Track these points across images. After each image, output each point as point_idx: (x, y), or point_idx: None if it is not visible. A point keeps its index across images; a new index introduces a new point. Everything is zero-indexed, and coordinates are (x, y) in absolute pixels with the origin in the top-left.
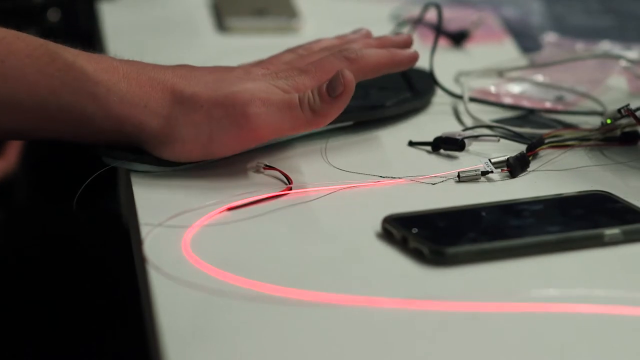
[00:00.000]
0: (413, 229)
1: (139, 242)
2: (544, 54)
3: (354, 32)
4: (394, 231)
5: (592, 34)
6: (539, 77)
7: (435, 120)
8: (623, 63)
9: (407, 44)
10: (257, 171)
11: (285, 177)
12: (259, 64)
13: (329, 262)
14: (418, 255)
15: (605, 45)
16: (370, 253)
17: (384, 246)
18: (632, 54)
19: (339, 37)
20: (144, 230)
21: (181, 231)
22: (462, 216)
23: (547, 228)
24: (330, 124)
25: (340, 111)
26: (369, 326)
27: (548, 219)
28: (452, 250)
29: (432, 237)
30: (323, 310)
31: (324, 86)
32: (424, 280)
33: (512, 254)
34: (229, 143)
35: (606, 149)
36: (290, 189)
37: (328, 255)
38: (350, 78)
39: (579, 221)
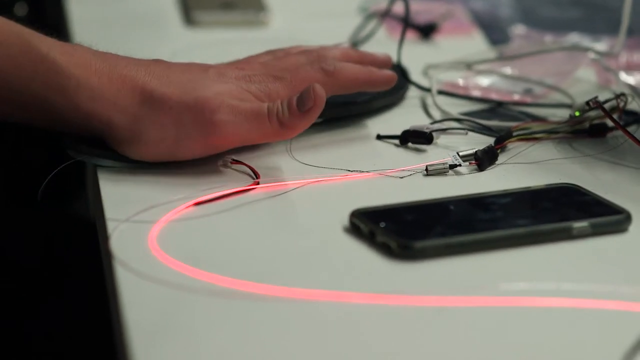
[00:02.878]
0: (381, 223)
1: (106, 237)
2: (513, 47)
3: (335, 46)
4: (362, 225)
5: (561, 26)
6: (508, 70)
7: (404, 114)
8: (592, 55)
9: (386, 64)
10: (225, 166)
11: (252, 171)
12: (235, 63)
13: (296, 257)
14: (386, 250)
15: (574, 38)
16: (338, 247)
17: (352, 240)
18: (600, 46)
19: (321, 47)
20: (111, 226)
21: (148, 226)
22: (430, 210)
23: (516, 221)
24: None
25: (308, 125)
26: (336, 321)
27: (516, 212)
28: (420, 244)
29: (400, 231)
30: (290, 305)
31: (294, 99)
32: (391, 275)
33: (480, 248)
34: (194, 147)
35: (575, 142)
36: (258, 183)
37: (295, 250)
38: (321, 94)
39: (548, 214)
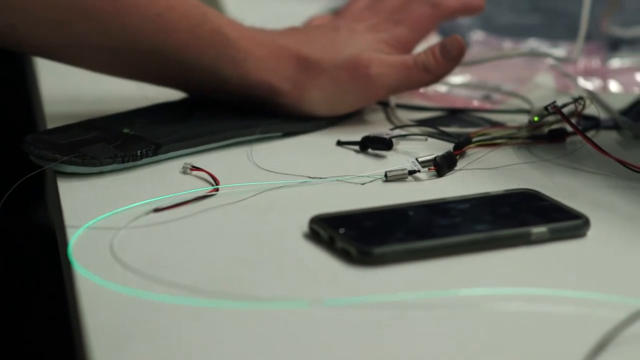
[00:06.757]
0: (340, 229)
1: (65, 244)
2: (471, 53)
3: None
4: (321, 231)
5: (520, 32)
6: (467, 76)
7: (363, 120)
8: (550, 61)
9: None
10: (184, 172)
11: (212, 178)
12: (346, 15)
13: (255, 263)
14: (345, 256)
15: (533, 43)
16: (298, 253)
17: (311, 246)
18: (559, 51)
19: None
20: (70, 232)
21: (108, 233)
22: (389, 216)
23: (475, 227)
24: (258, 134)
25: (452, 71)
26: (295, 327)
27: (475, 217)
28: (379, 250)
29: (359, 237)
30: (249, 311)
31: (437, 49)
32: (351, 281)
33: (439, 253)
34: (352, 102)
35: (533, 147)
36: (217, 190)
37: (255, 256)
38: (462, 42)
39: (506, 220)
